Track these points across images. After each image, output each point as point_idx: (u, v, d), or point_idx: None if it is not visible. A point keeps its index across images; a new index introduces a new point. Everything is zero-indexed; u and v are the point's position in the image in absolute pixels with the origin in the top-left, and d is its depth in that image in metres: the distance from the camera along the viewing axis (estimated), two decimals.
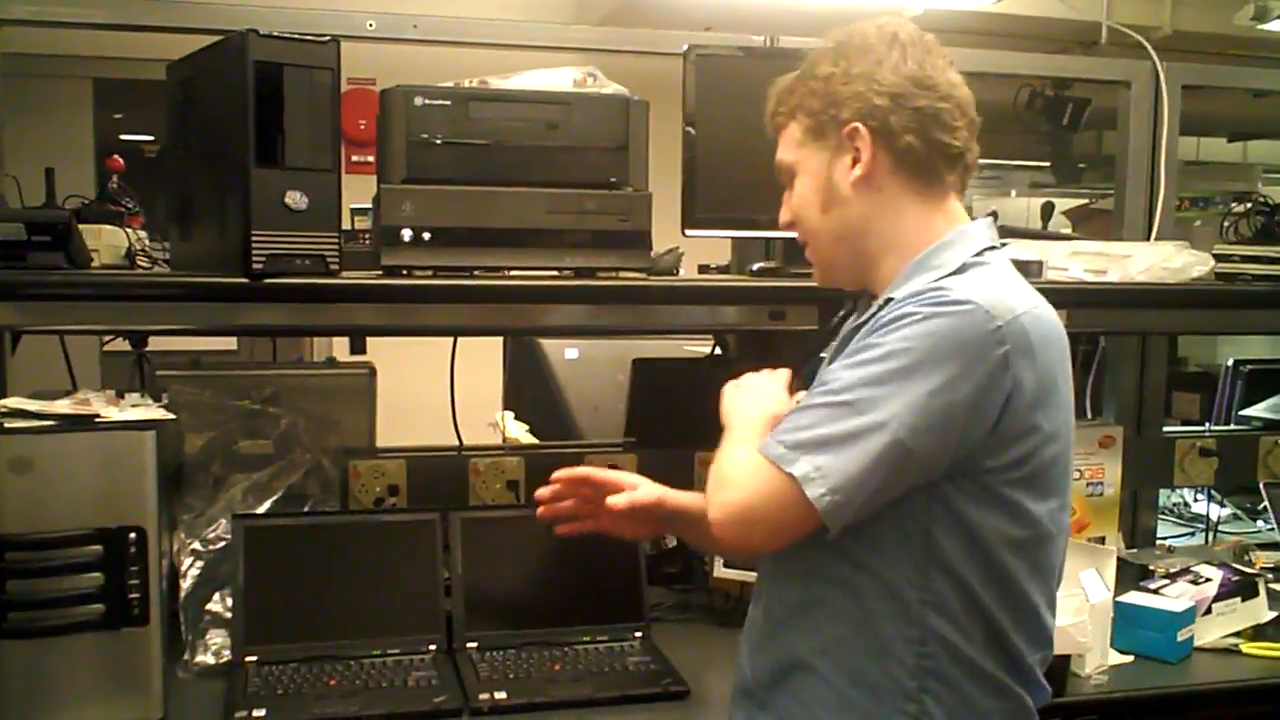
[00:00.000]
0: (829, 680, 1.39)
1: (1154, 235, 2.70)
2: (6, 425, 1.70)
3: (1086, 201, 4.87)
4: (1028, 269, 2.23)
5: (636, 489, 1.63)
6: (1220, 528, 3.11)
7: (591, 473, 1.69)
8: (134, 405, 1.83)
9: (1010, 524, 1.34)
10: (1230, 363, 3.55)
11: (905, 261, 1.41)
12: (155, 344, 2.40)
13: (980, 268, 1.38)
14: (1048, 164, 6.55)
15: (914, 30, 1.43)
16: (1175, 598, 2.19)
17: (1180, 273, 2.33)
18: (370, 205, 1.99)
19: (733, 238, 2.31)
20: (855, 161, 1.41)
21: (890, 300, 1.36)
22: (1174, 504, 3.32)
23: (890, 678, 1.35)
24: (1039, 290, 1.41)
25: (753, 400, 1.53)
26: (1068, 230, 4.14)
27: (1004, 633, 1.37)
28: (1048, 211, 4.12)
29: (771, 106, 1.50)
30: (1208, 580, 2.26)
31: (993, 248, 1.43)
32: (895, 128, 1.39)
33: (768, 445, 1.33)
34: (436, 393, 2.44)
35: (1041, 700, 1.46)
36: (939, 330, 1.28)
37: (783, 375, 1.58)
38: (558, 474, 1.70)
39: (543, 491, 1.71)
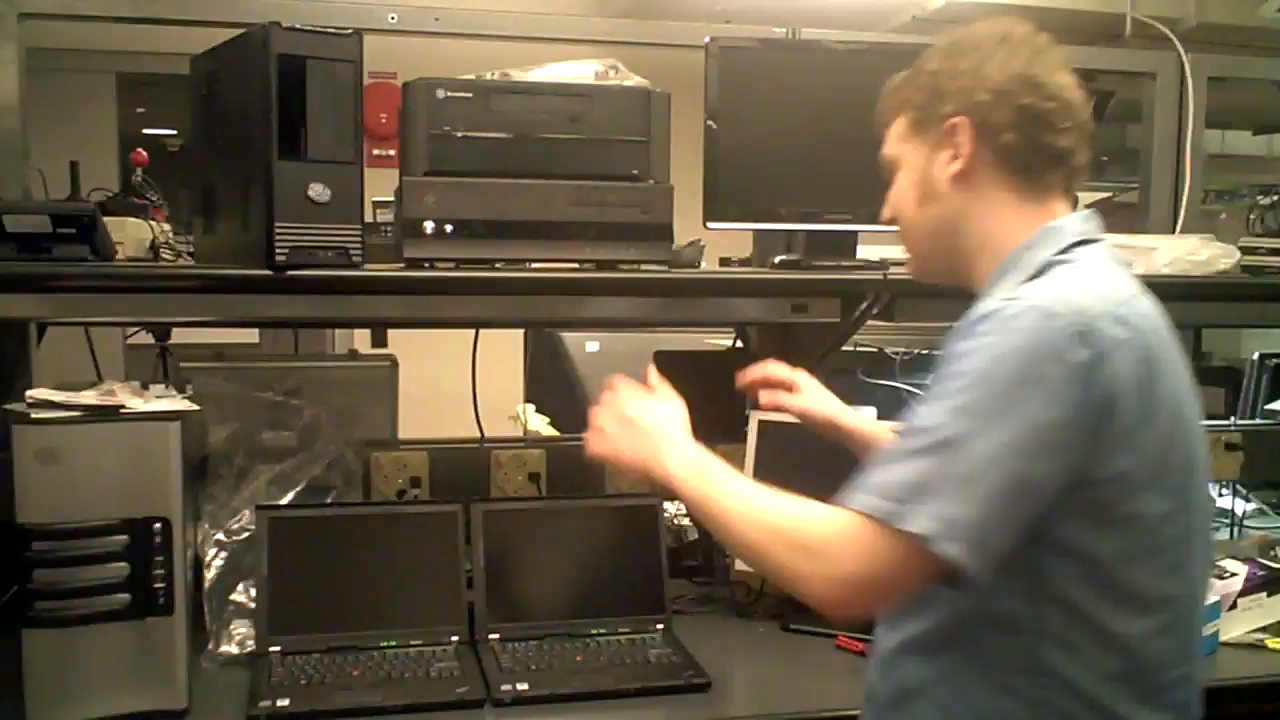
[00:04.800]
0: (944, 707, 1.35)
1: (1179, 228, 2.68)
2: (33, 416, 1.71)
3: (1110, 195, 4.84)
4: None
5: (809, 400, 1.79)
6: (1246, 522, 3.08)
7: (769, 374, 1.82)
8: (159, 396, 1.84)
9: (1124, 537, 1.27)
10: (1256, 357, 3.51)
11: (996, 261, 1.38)
12: (178, 336, 2.41)
13: (1064, 266, 1.33)
14: None
15: (1027, 31, 1.40)
16: None
17: (1206, 265, 2.31)
18: (392, 198, 1.99)
19: (754, 230, 2.31)
20: (955, 157, 1.39)
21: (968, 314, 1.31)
22: None
23: (1001, 709, 1.31)
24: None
25: (661, 419, 1.55)
26: None
27: (1134, 656, 1.30)
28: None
29: (881, 103, 1.49)
30: (1233, 575, 2.24)
31: (1085, 242, 1.37)
32: (996, 124, 1.36)
33: (863, 500, 1.24)
34: (458, 385, 2.45)
35: None
36: (1015, 349, 1.22)
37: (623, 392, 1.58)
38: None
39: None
